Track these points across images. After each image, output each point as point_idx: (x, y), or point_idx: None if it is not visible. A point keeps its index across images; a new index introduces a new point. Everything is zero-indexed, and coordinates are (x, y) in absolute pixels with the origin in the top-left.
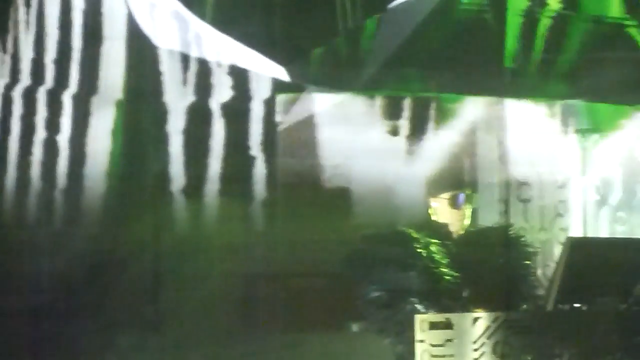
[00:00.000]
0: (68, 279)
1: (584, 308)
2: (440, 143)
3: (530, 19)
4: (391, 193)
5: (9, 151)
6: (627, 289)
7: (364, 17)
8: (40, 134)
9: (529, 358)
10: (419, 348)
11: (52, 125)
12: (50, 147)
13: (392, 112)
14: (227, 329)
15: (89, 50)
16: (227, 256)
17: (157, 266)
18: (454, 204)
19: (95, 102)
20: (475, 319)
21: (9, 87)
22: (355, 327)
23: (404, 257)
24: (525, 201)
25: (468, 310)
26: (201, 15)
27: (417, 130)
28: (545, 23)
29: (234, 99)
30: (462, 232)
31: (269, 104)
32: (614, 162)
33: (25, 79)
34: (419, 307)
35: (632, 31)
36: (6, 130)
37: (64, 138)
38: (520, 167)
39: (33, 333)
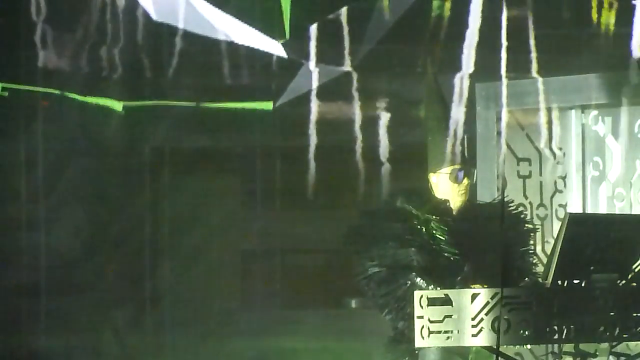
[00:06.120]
0: (65, 254)
1: (583, 284)
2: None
3: None
4: (390, 168)
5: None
6: (626, 265)
7: None
8: None
9: (527, 334)
10: (418, 324)
11: None
12: None
13: (389, 87)
14: (225, 306)
15: None
16: (226, 232)
17: (155, 242)
18: (454, 179)
19: None
20: (474, 295)
21: None
22: (354, 304)
23: (404, 233)
24: (525, 177)
25: (467, 287)
26: None
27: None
28: None
29: (232, 75)
30: (461, 207)
31: (268, 80)
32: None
33: None
34: (418, 282)
35: None
36: None
37: None
38: (519, 143)
39: (30, 309)
